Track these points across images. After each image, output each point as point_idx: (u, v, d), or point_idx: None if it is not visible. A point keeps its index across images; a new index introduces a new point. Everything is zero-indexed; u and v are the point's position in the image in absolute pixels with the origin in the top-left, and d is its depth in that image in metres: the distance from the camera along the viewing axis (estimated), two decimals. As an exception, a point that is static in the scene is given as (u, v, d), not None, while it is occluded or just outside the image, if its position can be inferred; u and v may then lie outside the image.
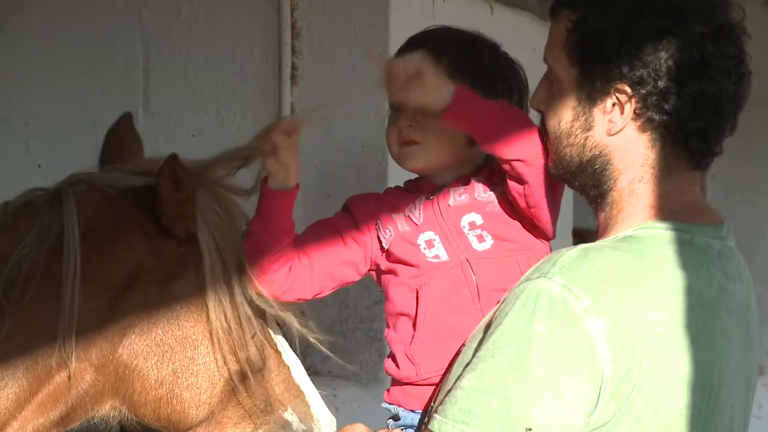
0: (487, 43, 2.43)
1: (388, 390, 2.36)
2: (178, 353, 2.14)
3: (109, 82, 4.49)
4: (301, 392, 2.26)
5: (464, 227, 2.28)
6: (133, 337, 2.12)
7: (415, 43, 2.37)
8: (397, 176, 4.52)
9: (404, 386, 2.31)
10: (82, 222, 2.14)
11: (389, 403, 2.35)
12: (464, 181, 2.34)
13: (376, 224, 2.36)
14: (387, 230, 2.34)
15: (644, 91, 1.94)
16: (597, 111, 2.00)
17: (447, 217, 2.30)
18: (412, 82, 2.15)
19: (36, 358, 2.08)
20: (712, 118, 1.97)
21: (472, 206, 2.30)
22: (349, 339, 4.28)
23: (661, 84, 1.93)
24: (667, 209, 1.99)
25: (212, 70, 4.52)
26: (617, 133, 1.99)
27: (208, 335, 2.15)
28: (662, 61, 1.93)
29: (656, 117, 1.95)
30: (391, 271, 2.35)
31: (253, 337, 2.19)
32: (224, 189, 2.30)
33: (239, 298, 2.19)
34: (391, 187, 2.49)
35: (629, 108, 1.96)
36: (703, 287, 1.92)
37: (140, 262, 2.16)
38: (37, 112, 4.30)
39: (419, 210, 2.33)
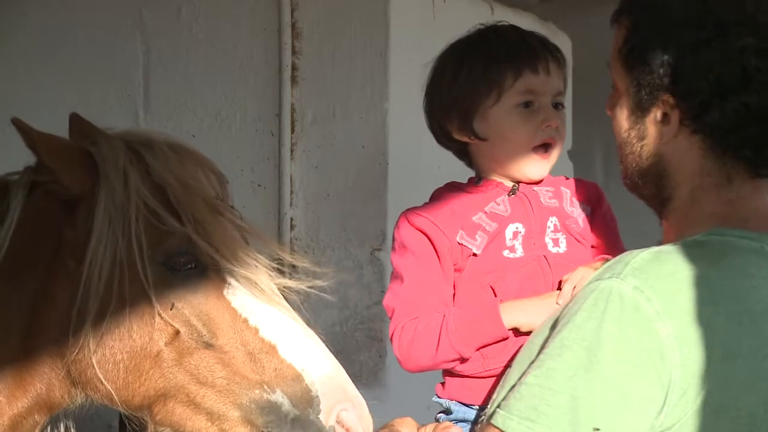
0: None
1: (441, 384, 2.37)
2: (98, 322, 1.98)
3: (109, 82, 4.49)
4: (296, 373, 2.01)
5: (549, 227, 2.33)
6: (62, 316, 2.00)
7: (482, 61, 2.33)
8: (397, 176, 4.52)
9: (465, 379, 2.31)
10: (29, 203, 2.06)
11: (441, 398, 2.36)
12: (549, 184, 2.38)
13: (456, 235, 2.35)
14: (476, 237, 2.34)
15: (685, 104, 1.93)
16: (648, 120, 1.99)
17: (538, 212, 2.34)
18: None
19: None
20: (761, 129, 1.94)
21: (559, 213, 2.36)
22: (350, 339, 4.28)
23: (700, 98, 1.91)
24: (736, 216, 1.97)
25: (212, 70, 4.53)
26: (669, 143, 1.98)
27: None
28: (701, 76, 1.91)
29: (700, 129, 1.94)
30: (462, 269, 2.35)
31: (171, 308, 1.99)
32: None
33: (137, 258, 1.99)
34: (443, 189, 2.46)
35: (675, 119, 1.95)
36: None
37: (60, 236, 2.05)
38: (37, 112, 4.29)
39: (504, 205, 2.35)
